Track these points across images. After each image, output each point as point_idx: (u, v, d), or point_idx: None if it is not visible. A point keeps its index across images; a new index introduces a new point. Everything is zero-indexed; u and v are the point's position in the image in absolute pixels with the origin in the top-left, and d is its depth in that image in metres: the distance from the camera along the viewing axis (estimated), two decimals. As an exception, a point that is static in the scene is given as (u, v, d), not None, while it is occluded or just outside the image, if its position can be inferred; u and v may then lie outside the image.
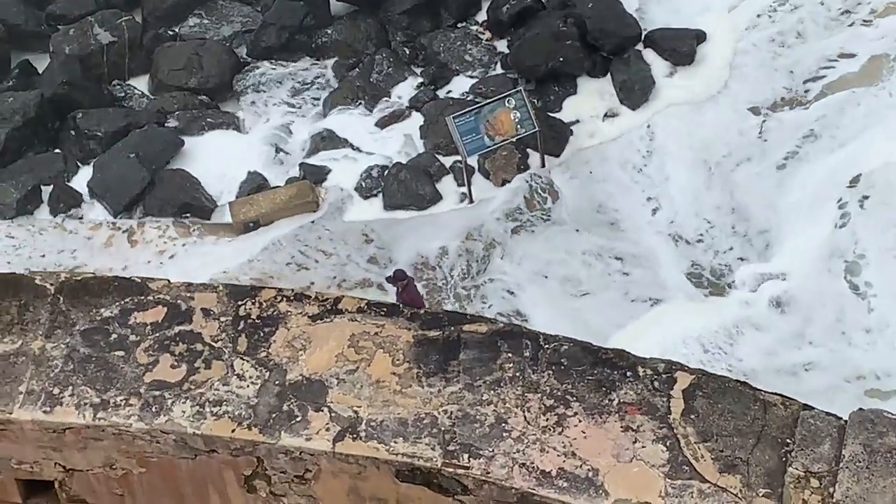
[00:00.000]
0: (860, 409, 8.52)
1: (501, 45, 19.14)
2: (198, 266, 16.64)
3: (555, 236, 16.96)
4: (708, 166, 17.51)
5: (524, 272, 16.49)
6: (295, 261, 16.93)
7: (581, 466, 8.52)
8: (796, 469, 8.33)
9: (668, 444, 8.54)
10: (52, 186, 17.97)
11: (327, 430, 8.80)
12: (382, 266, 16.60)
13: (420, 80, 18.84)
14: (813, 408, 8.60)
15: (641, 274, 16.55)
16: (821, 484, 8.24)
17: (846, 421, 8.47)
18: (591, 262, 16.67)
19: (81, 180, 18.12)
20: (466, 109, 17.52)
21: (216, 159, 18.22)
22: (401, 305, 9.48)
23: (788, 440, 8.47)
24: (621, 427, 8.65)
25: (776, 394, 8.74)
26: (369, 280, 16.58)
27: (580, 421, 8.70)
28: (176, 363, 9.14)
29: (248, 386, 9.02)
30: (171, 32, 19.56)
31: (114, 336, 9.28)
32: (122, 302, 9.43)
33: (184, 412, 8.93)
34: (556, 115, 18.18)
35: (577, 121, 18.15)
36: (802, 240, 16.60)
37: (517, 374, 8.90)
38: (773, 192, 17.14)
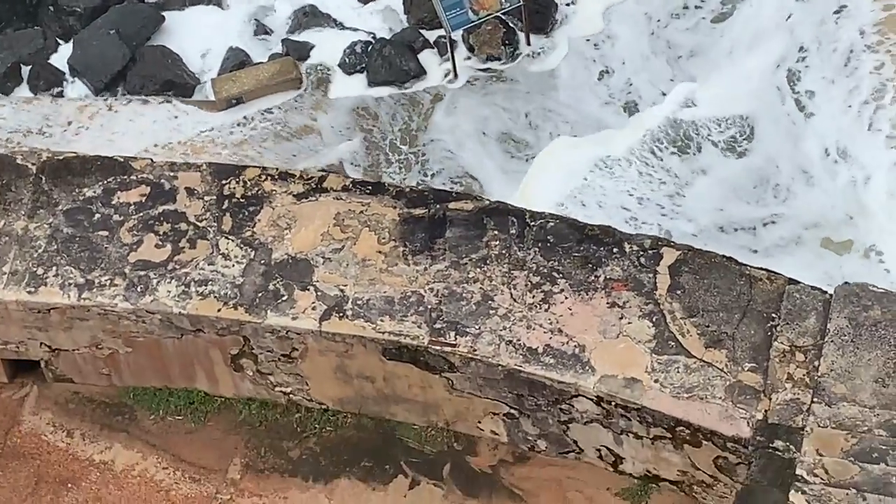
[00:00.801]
0: (846, 282, 8.53)
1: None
2: (180, 142, 16.57)
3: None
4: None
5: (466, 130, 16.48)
6: (279, 136, 16.87)
7: (567, 343, 8.54)
8: (781, 343, 8.35)
9: (654, 319, 8.55)
10: (32, 64, 17.81)
11: (313, 308, 8.80)
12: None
13: (403, -47, 18.61)
14: (799, 282, 8.60)
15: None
16: (806, 357, 8.28)
17: (832, 295, 8.49)
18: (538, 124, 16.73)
19: (61, 58, 17.95)
20: (452, -16, 17.34)
21: (197, 35, 18.07)
22: (385, 183, 9.41)
23: (774, 314, 8.48)
24: (607, 303, 8.65)
25: (762, 268, 8.73)
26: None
27: (566, 298, 8.70)
28: (160, 243, 9.10)
29: (233, 265, 8.99)
30: None
31: (97, 216, 9.23)
32: (105, 181, 9.36)
33: (169, 292, 8.92)
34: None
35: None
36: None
37: (503, 251, 8.89)
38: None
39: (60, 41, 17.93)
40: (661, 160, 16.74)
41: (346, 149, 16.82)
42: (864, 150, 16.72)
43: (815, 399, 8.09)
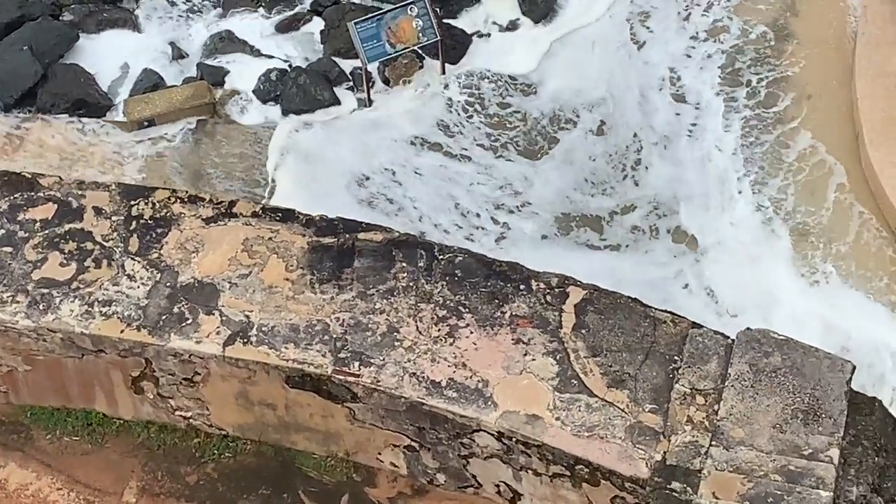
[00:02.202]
0: (748, 328, 8.63)
1: (404, -49, 18.93)
2: (88, 162, 16.41)
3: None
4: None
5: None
6: (187, 163, 16.75)
7: (471, 377, 8.56)
8: (682, 386, 8.42)
9: (557, 357, 8.59)
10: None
11: (218, 333, 8.75)
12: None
13: (321, -16, 18.62)
14: (702, 326, 8.69)
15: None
16: (706, 401, 8.35)
17: (734, 340, 8.58)
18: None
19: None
20: (369, 16, 17.37)
21: (112, 56, 17.91)
22: (295, 211, 9.38)
23: (676, 357, 8.56)
24: (512, 339, 8.68)
25: (667, 311, 8.82)
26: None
27: (472, 332, 8.72)
28: (65, 261, 9.01)
29: (138, 287, 8.92)
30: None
31: (2, 231, 9.13)
32: (12, 197, 9.26)
33: (72, 311, 8.83)
34: (458, 25, 18.08)
35: (479, 32, 18.07)
36: None
37: (411, 283, 8.90)
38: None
39: (-29, 55, 17.72)
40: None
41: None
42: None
43: (713, 442, 8.16)
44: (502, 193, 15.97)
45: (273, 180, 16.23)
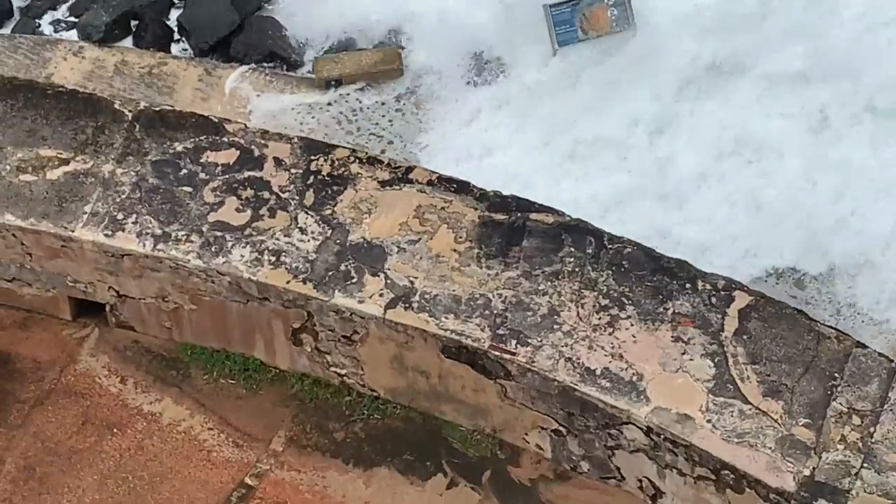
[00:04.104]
0: (914, 354, 8.47)
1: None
2: (272, 114, 16.62)
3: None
4: None
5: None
6: (369, 124, 16.87)
7: (627, 369, 8.52)
8: (840, 404, 8.29)
9: (716, 360, 8.51)
10: (144, 16, 17.96)
11: (381, 295, 8.83)
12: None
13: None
14: (867, 346, 8.54)
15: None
16: (862, 422, 8.21)
17: (898, 364, 8.43)
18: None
19: (172, 15, 18.07)
20: (565, 0, 17.34)
21: (308, 12, 18.13)
22: (470, 183, 9.39)
23: (837, 374, 8.42)
24: (672, 337, 8.62)
25: (832, 327, 8.68)
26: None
27: (632, 325, 8.68)
28: (241, 207, 9.17)
29: (309, 241, 9.04)
30: None
31: (184, 171, 9.31)
32: (197, 139, 9.44)
33: (242, 256, 8.98)
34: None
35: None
36: None
37: (577, 269, 8.88)
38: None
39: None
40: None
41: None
42: None
43: (865, 464, 8.02)
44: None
45: None
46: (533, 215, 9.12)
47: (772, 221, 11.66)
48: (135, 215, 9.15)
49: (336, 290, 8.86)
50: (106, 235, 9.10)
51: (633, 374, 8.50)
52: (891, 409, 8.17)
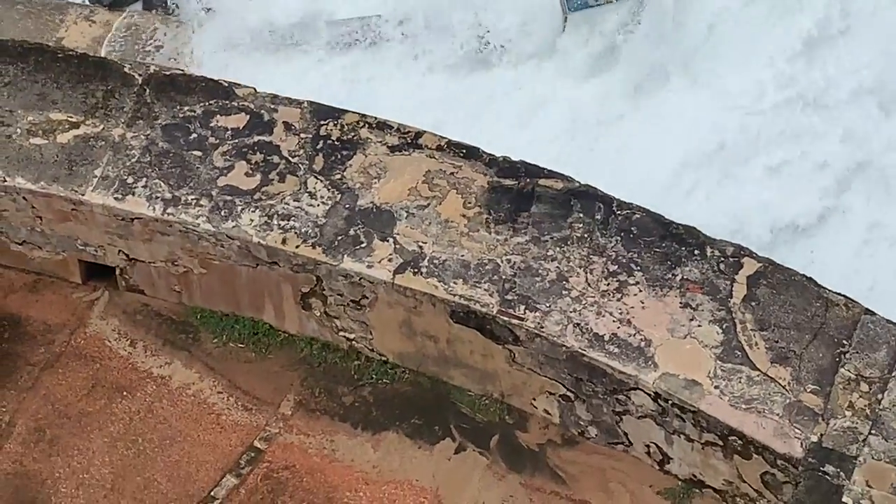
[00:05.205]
0: (922, 321, 8.47)
1: None
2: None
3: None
4: None
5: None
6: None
7: (635, 335, 8.54)
8: (848, 371, 8.30)
9: (724, 326, 8.52)
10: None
11: (390, 260, 8.85)
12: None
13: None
14: (875, 313, 8.54)
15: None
16: (870, 389, 8.22)
17: (907, 331, 8.43)
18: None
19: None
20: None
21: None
22: (480, 149, 9.40)
23: (845, 341, 8.43)
24: (680, 303, 8.63)
25: (840, 294, 8.68)
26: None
27: (640, 290, 8.69)
28: (251, 171, 9.18)
29: (318, 205, 9.05)
30: None
31: (194, 135, 9.32)
32: (207, 103, 9.44)
33: (251, 220, 9.00)
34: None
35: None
36: None
37: (586, 234, 8.89)
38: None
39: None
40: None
41: None
42: None
43: (873, 431, 8.04)
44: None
45: None
46: (542, 181, 9.12)
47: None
48: (145, 179, 9.17)
49: (345, 255, 8.88)
50: (116, 199, 9.12)
51: (642, 340, 8.52)
52: (898, 376, 8.19)
